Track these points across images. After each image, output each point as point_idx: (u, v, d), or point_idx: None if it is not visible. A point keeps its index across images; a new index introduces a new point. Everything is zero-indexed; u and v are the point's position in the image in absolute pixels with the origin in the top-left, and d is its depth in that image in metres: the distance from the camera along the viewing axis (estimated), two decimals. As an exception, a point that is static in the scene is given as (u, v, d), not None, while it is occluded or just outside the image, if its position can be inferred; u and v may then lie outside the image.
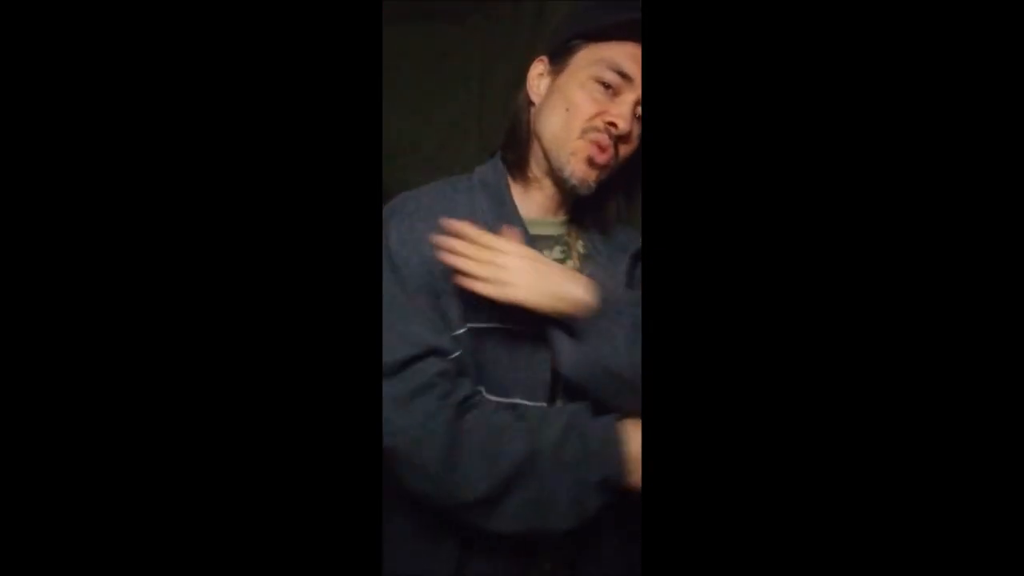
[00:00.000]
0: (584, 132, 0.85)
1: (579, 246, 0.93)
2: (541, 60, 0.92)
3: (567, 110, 0.86)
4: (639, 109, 0.86)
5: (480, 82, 1.23)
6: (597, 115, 0.85)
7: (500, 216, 0.87)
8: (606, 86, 0.85)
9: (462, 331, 0.81)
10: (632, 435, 0.77)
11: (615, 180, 0.93)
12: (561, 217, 0.94)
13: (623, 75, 0.85)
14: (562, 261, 0.89)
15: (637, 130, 0.88)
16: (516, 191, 0.91)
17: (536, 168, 0.91)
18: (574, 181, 0.87)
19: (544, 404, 0.82)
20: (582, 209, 0.95)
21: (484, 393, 0.81)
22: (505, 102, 1.02)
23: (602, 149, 0.85)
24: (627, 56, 0.85)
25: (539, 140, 0.90)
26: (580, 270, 0.89)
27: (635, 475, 0.75)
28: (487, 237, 0.78)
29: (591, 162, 0.86)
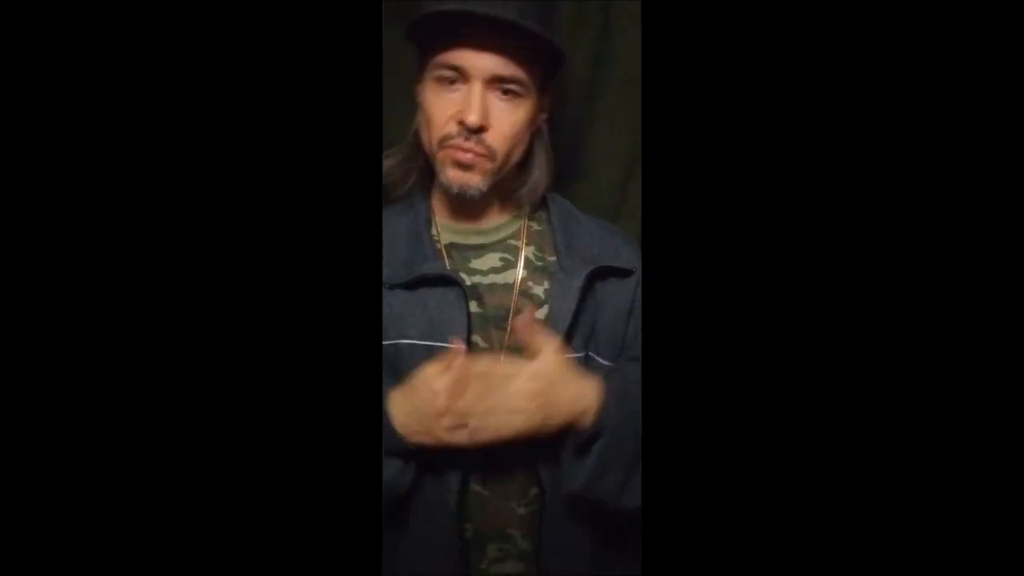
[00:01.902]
0: (442, 141, 0.81)
1: (529, 252, 0.88)
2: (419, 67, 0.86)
3: (425, 121, 0.83)
4: (495, 92, 0.80)
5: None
6: (448, 119, 0.81)
7: (411, 228, 0.87)
8: (450, 82, 0.80)
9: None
10: (394, 403, 0.76)
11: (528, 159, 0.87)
12: (502, 220, 0.89)
13: (456, 69, 0.79)
14: (500, 271, 0.86)
15: (506, 110, 0.81)
16: (446, 200, 0.89)
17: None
18: (455, 190, 0.83)
19: None
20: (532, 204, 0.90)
21: None
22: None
23: (463, 151, 0.81)
24: (455, 50, 0.79)
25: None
26: (525, 281, 0.86)
27: (412, 438, 0.75)
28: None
29: (458, 164, 0.81)
